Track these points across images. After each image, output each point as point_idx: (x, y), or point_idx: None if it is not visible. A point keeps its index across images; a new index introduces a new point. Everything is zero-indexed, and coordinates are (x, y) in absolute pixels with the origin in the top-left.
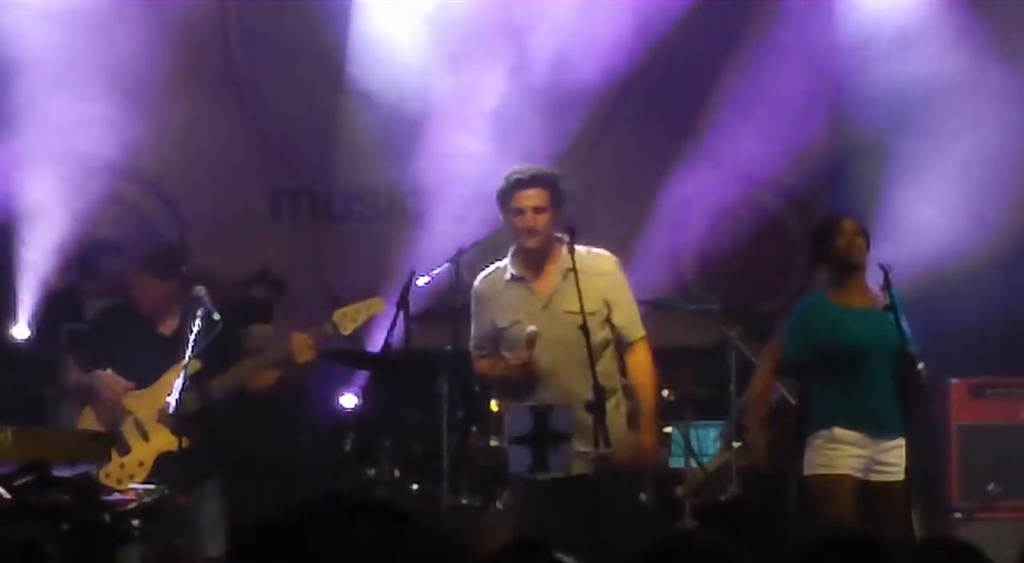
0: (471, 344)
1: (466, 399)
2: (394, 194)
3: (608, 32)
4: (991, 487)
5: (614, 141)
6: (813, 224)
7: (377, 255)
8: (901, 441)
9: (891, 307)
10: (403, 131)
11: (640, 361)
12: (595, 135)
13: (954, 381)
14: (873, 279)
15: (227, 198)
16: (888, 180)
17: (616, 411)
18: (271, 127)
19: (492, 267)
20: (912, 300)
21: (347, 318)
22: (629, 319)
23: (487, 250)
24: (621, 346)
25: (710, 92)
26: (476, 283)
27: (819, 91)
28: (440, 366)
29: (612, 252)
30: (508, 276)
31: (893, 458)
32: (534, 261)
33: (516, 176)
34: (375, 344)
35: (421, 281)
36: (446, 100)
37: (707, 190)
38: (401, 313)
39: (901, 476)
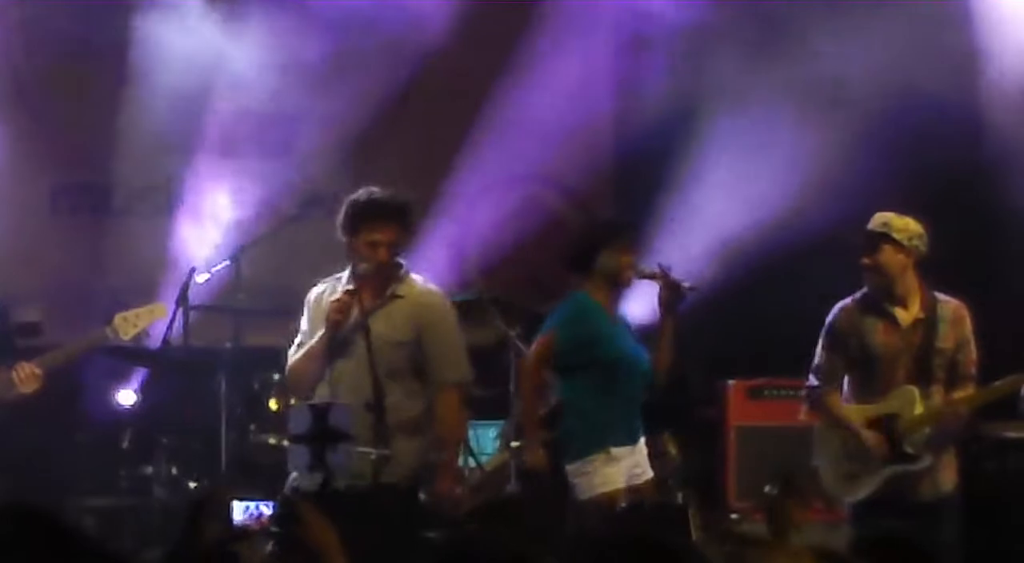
0: (293, 348)
1: (245, 397)
2: (175, 190)
3: (388, 30)
4: (768, 488)
5: (399, 139)
6: (587, 228)
7: (158, 251)
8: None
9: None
10: (185, 126)
11: (443, 409)
12: (379, 134)
13: (731, 383)
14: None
15: (4, 192)
16: (671, 179)
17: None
18: (51, 121)
19: (333, 277)
20: (694, 301)
21: (128, 323)
22: (439, 358)
23: (268, 247)
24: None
25: (494, 90)
26: (313, 289)
27: (602, 89)
28: (219, 363)
29: None
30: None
31: (643, 459)
32: (369, 283)
33: (376, 207)
34: (154, 340)
35: (201, 278)
36: (230, 96)
37: (491, 188)
38: (180, 310)
39: (651, 473)
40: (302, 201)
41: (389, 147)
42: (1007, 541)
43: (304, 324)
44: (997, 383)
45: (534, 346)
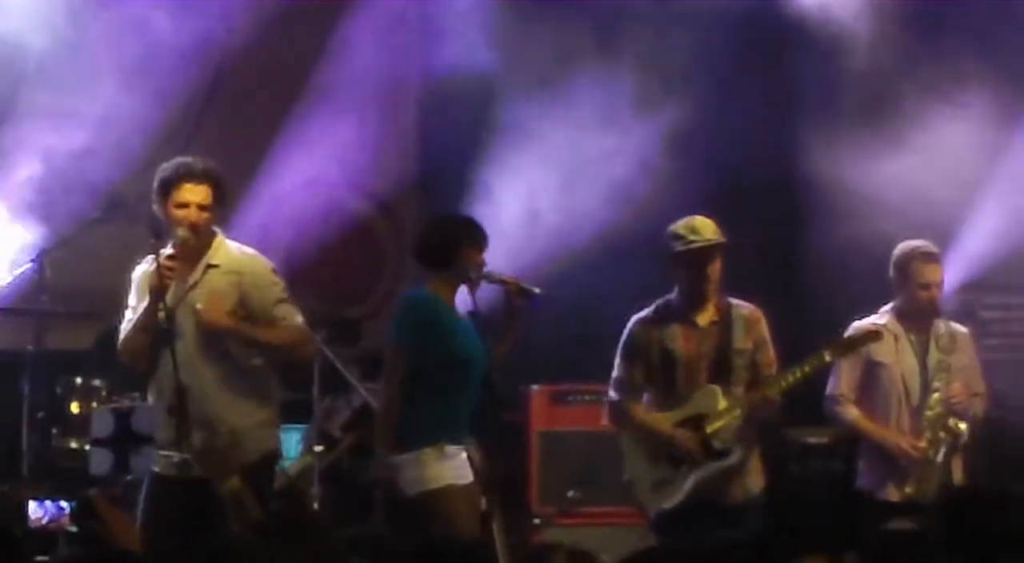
0: (124, 325)
1: (48, 400)
2: None
3: (196, 26)
4: (571, 493)
5: (202, 142)
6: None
7: None
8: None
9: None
10: None
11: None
12: (187, 132)
13: (535, 388)
14: None
15: None
16: (476, 184)
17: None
18: None
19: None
20: (498, 305)
21: None
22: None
23: (71, 250)
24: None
25: (298, 92)
26: (138, 268)
27: (407, 95)
28: (21, 366)
29: None
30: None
31: (466, 457)
32: (188, 253)
33: (185, 168)
34: None
35: (2, 280)
36: (32, 95)
37: (294, 193)
38: None
39: (471, 477)
40: (105, 203)
41: (192, 150)
42: (808, 541)
43: (132, 301)
44: (798, 365)
45: (388, 369)
